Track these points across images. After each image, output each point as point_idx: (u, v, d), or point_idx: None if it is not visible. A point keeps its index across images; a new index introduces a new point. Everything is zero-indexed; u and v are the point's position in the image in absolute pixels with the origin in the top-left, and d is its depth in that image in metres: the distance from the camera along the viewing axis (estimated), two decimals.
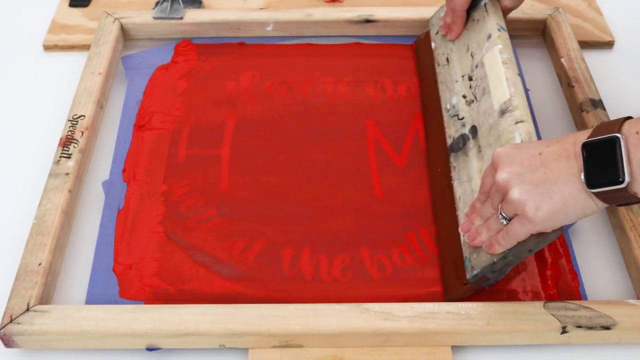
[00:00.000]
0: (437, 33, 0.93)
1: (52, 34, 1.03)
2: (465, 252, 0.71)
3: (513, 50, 0.82)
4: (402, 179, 0.85)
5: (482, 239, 0.68)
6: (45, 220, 0.77)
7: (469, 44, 0.86)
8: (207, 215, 0.81)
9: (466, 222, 0.71)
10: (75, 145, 0.84)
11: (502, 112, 0.75)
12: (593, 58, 0.98)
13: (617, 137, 0.59)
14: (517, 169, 0.63)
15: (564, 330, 0.68)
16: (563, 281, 0.75)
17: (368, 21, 1.00)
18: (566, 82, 0.93)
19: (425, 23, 1.00)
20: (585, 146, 0.60)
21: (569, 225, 0.79)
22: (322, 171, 0.86)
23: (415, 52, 0.99)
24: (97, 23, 1.01)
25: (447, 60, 0.89)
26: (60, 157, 0.82)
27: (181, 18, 1.00)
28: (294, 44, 1.01)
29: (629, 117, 0.61)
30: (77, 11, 1.06)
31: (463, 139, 0.80)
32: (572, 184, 0.61)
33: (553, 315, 0.69)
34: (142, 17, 1.01)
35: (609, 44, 1.02)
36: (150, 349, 0.70)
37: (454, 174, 0.79)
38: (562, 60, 0.95)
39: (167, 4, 1.01)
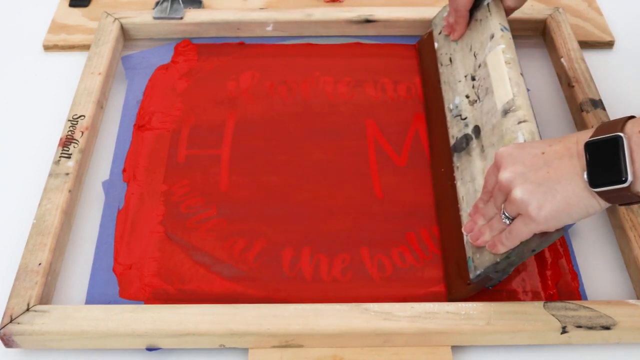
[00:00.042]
0: (440, 33, 0.93)
1: (52, 34, 1.03)
2: (469, 252, 0.71)
3: None
4: (402, 179, 0.85)
5: (485, 239, 0.68)
6: (45, 220, 0.77)
7: (472, 44, 0.86)
8: (207, 215, 0.81)
9: (469, 222, 0.71)
10: (75, 145, 0.84)
11: (505, 112, 0.75)
12: (593, 58, 0.98)
13: (620, 137, 0.59)
14: (520, 168, 0.63)
15: (564, 330, 0.68)
16: (563, 281, 0.75)
17: (368, 21, 1.00)
18: (566, 82, 0.93)
19: (425, 23, 1.00)
20: (588, 145, 0.60)
21: (569, 225, 0.79)
22: (322, 171, 0.86)
23: (418, 52, 0.99)
24: (97, 23, 1.01)
25: (450, 60, 0.89)
26: (60, 157, 0.82)
27: (181, 18, 1.00)
28: (294, 44, 1.01)
29: (632, 117, 0.61)
30: (77, 11, 1.06)
31: (466, 139, 0.80)
32: (575, 183, 0.61)
33: (553, 315, 0.69)
34: (142, 17, 1.01)
35: (609, 44, 1.02)
36: (150, 349, 0.70)
37: (457, 174, 0.79)
38: (562, 60, 0.95)
39: (167, 4, 1.01)
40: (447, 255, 0.76)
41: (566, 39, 0.97)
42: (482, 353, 0.71)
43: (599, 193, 0.60)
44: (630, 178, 0.58)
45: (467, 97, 0.83)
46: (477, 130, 0.79)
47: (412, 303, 0.70)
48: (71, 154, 0.83)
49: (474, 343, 0.70)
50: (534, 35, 1.02)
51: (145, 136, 0.89)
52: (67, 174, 0.81)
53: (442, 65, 0.91)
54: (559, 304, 0.70)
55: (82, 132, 0.85)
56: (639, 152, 0.58)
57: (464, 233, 0.72)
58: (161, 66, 0.97)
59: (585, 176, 0.60)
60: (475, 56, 0.84)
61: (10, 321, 0.69)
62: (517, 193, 0.62)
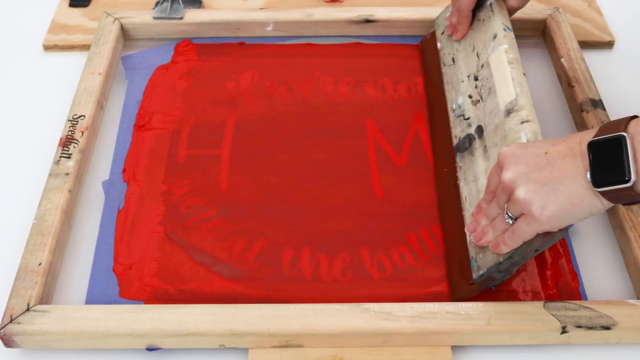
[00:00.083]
0: (442, 33, 0.93)
1: (52, 34, 1.03)
2: (472, 252, 0.71)
3: None
4: (402, 179, 0.85)
5: (488, 239, 0.68)
6: (45, 220, 0.77)
7: (475, 44, 0.86)
8: (207, 215, 0.81)
9: (472, 222, 0.71)
10: (75, 145, 0.84)
11: (508, 112, 0.75)
12: (593, 58, 0.98)
13: (623, 136, 0.59)
14: (523, 168, 0.63)
15: (564, 330, 0.68)
16: (563, 281, 0.75)
17: (368, 21, 1.00)
18: (566, 82, 0.93)
19: (425, 23, 1.00)
20: (591, 145, 0.60)
21: (570, 225, 0.79)
22: (322, 171, 0.86)
23: (421, 52, 0.99)
24: (97, 23, 1.01)
25: (453, 60, 0.89)
26: (60, 157, 0.82)
27: (181, 18, 1.00)
28: (294, 44, 1.01)
29: (635, 116, 0.61)
30: (77, 11, 1.06)
31: (469, 138, 0.80)
32: (578, 183, 0.60)
33: (553, 315, 0.69)
34: (142, 17, 1.01)
35: (609, 44, 1.02)
36: (150, 349, 0.70)
37: (459, 174, 0.79)
38: (562, 60, 0.95)
39: (167, 4, 1.01)
40: (450, 256, 0.76)
41: (566, 39, 0.97)
42: (482, 353, 0.71)
43: (602, 193, 0.60)
44: (633, 178, 0.58)
45: (470, 97, 0.83)
46: (480, 130, 0.79)
47: (412, 303, 0.70)
48: (71, 154, 0.83)
49: (474, 343, 0.70)
50: (534, 35, 1.02)
51: (145, 136, 0.89)
52: (67, 174, 0.81)
53: (444, 65, 0.91)
54: (559, 304, 0.70)
55: (82, 132, 0.85)
56: None
57: (467, 233, 0.72)
58: (161, 66, 0.97)
59: (589, 176, 0.60)
60: (478, 56, 0.84)
61: (10, 321, 0.69)
62: (520, 193, 0.62)
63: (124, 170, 0.85)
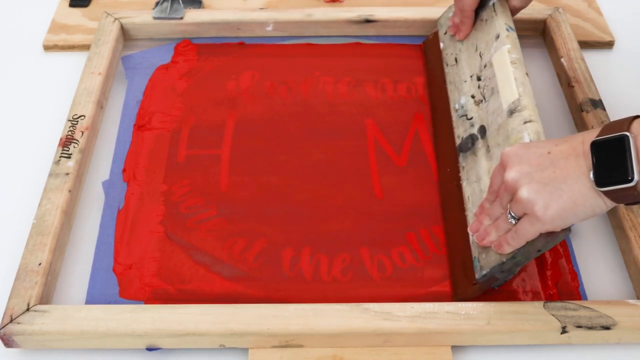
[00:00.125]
0: (445, 33, 0.93)
1: (52, 34, 1.03)
2: (474, 252, 0.71)
3: None
4: (402, 179, 0.85)
5: (491, 239, 0.68)
6: (45, 220, 0.77)
7: (478, 44, 0.86)
8: (207, 215, 0.81)
9: (475, 222, 0.71)
10: (75, 145, 0.84)
11: (511, 112, 0.75)
12: (593, 58, 0.98)
13: (626, 136, 0.59)
14: (525, 168, 0.63)
15: (564, 330, 0.68)
16: (563, 281, 0.75)
17: (368, 21, 1.00)
18: (566, 82, 0.93)
19: (426, 23, 1.00)
20: (594, 145, 0.60)
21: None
22: (322, 171, 0.86)
23: (424, 52, 0.99)
24: (97, 23, 1.01)
25: (456, 60, 0.89)
26: (60, 157, 0.82)
27: (181, 18, 1.00)
28: (294, 44, 1.01)
29: (638, 116, 0.61)
30: (77, 11, 1.06)
31: (472, 139, 0.80)
32: (581, 183, 0.60)
33: (553, 315, 0.69)
34: (142, 17, 1.01)
35: (609, 44, 1.02)
36: (150, 349, 0.70)
37: (462, 174, 0.79)
38: (562, 60, 0.95)
39: (167, 4, 1.01)
40: (452, 256, 0.76)
41: (566, 39, 0.97)
42: (482, 353, 0.71)
43: (605, 192, 0.60)
44: (636, 177, 0.58)
45: (473, 97, 0.83)
46: (482, 130, 0.79)
47: (412, 303, 0.70)
48: (71, 154, 0.83)
49: (474, 343, 0.70)
50: (534, 35, 1.02)
51: (145, 136, 0.89)
52: (67, 174, 0.81)
53: (447, 65, 0.91)
54: (559, 304, 0.70)
55: (82, 132, 0.85)
56: None
57: (470, 233, 0.72)
58: (161, 66, 0.97)
59: (592, 176, 0.60)
60: (480, 56, 0.84)
61: (10, 321, 0.69)
62: (523, 193, 0.62)
63: (124, 170, 0.85)
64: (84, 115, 0.87)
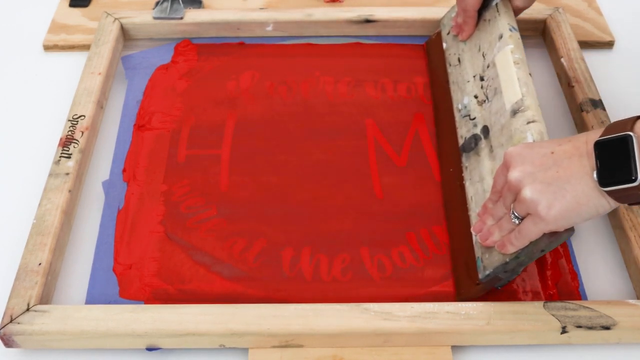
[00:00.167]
0: (448, 33, 0.93)
1: (52, 34, 1.03)
2: (478, 252, 0.71)
3: None
4: (402, 179, 0.85)
5: (495, 239, 0.68)
6: (45, 220, 0.77)
7: (481, 44, 0.86)
8: (207, 215, 0.81)
9: (478, 222, 0.71)
10: (75, 145, 0.84)
11: (514, 112, 0.75)
12: (593, 58, 0.98)
13: (630, 136, 0.59)
14: (529, 168, 0.63)
15: (564, 330, 0.68)
16: (563, 281, 0.75)
17: (368, 21, 1.00)
18: (566, 82, 0.93)
19: (426, 23, 1.00)
20: (598, 145, 0.60)
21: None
22: (322, 171, 0.86)
23: (427, 52, 0.99)
24: (97, 23, 1.01)
25: (459, 60, 0.89)
26: (60, 157, 0.82)
27: (181, 18, 1.00)
28: (294, 44, 1.01)
29: None
30: (77, 11, 1.06)
31: (475, 139, 0.80)
32: (585, 183, 0.60)
33: (553, 315, 0.69)
34: (142, 17, 1.01)
35: (609, 44, 1.02)
36: (150, 349, 0.70)
37: (465, 174, 0.79)
38: (562, 60, 0.95)
39: (167, 4, 1.01)
40: (456, 256, 0.76)
41: (566, 39, 0.97)
42: (482, 353, 0.71)
43: (608, 192, 0.60)
44: None
45: (476, 97, 0.83)
46: (485, 130, 0.79)
47: (412, 303, 0.70)
48: (71, 154, 0.83)
49: (474, 343, 0.70)
50: (534, 35, 1.02)
51: (145, 136, 0.89)
52: (67, 174, 0.81)
53: (450, 65, 0.91)
54: (559, 304, 0.70)
55: (82, 132, 0.85)
56: None
57: (473, 233, 0.72)
58: (161, 66, 0.97)
59: (595, 175, 0.60)
60: (483, 56, 0.84)
61: (10, 321, 0.69)
62: (527, 193, 0.62)
63: (124, 170, 0.85)
64: (84, 115, 0.87)
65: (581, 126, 0.88)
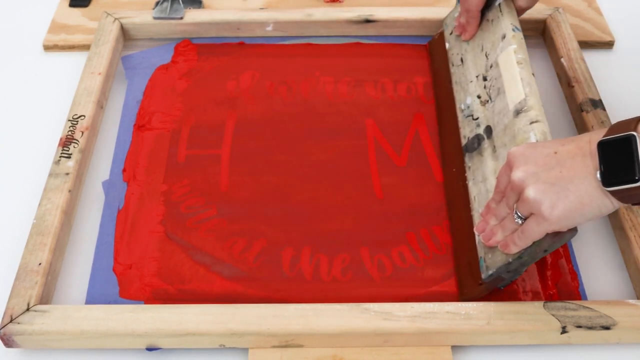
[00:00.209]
0: (451, 33, 0.93)
1: (52, 34, 1.03)
2: (480, 252, 0.71)
3: None
4: (402, 179, 0.85)
5: (498, 239, 0.68)
6: (45, 220, 0.77)
7: (484, 44, 0.86)
8: (207, 215, 0.81)
9: (481, 222, 0.71)
10: (75, 145, 0.84)
11: (517, 112, 0.75)
12: (593, 58, 0.98)
13: (633, 136, 0.59)
14: (532, 167, 0.63)
15: (564, 330, 0.68)
16: (563, 281, 0.75)
17: (368, 21, 1.00)
18: (566, 82, 0.93)
19: (426, 23, 1.00)
20: (601, 145, 0.60)
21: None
22: (322, 171, 0.86)
23: (429, 52, 0.99)
24: (97, 23, 1.01)
25: (462, 60, 0.89)
26: (60, 157, 0.82)
27: (181, 18, 1.00)
28: (294, 44, 1.01)
29: None
30: (77, 11, 1.07)
31: (478, 139, 0.80)
32: (588, 183, 0.60)
33: (553, 315, 0.69)
34: (142, 17, 1.01)
35: (609, 44, 1.02)
36: (150, 349, 0.70)
37: (468, 174, 0.79)
38: (562, 60, 0.95)
39: (167, 4, 1.01)
40: (458, 256, 0.76)
41: (566, 39, 0.97)
42: (482, 353, 0.71)
43: (612, 192, 0.60)
44: None
45: (479, 97, 0.83)
46: (488, 130, 0.79)
47: (412, 303, 0.70)
48: (71, 154, 0.83)
49: (474, 343, 0.70)
50: (534, 35, 1.02)
51: (145, 136, 0.89)
52: (67, 174, 0.81)
53: (453, 65, 0.91)
54: (558, 304, 0.70)
55: (82, 132, 0.85)
56: None
57: (476, 233, 0.72)
58: (161, 66, 0.97)
59: (598, 175, 0.60)
60: (486, 56, 0.84)
61: (10, 321, 0.69)
62: (530, 192, 0.62)
63: (124, 170, 0.85)
64: (84, 115, 0.87)
65: (581, 126, 0.88)
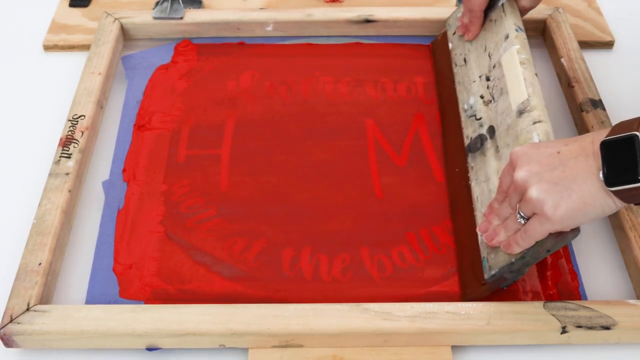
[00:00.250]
0: (454, 33, 0.93)
1: (52, 34, 1.03)
2: (483, 252, 0.71)
3: None
4: (402, 179, 0.85)
5: (500, 239, 0.68)
6: (45, 220, 0.77)
7: (487, 44, 0.86)
8: (207, 215, 0.81)
9: (484, 222, 0.71)
10: (75, 145, 0.84)
11: (520, 112, 0.75)
12: (593, 58, 0.98)
13: (636, 136, 0.59)
14: (535, 167, 0.63)
15: (564, 330, 0.68)
16: (563, 281, 0.75)
17: (368, 21, 1.00)
18: (566, 82, 0.93)
19: (425, 23, 1.00)
20: (604, 145, 0.60)
21: None
22: (322, 171, 0.86)
23: (433, 52, 0.99)
24: (97, 23, 1.01)
25: (465, 60, 0.89)
26: (60, 157, 0.82)
27: (181, 18, 1.00)
28: (294, 44, 1.01)
29: None
30: (77, 11, 1.07)
31: (481, 139, 0.80)
32: (591, 183, 0.60)
33: (553, 315, 0.69)
34: (142, 17, 1.01)
35: (609, 44, 1.02)
36: (150, 349, 0.70)
37: (471, 174, 0.79)
38: (562, 60, 0.95)
39: (167, 4, 1.01)
40: (461, 256, 0.76)
41: (566, 39, 0.97)
42: (482, 353, 0.71)
43: (614, 192, 0.60)
44: None
45: (482, 97, 0.83)
46: (491, 130, 0.79)
47: (412, 303, 0.70)
48: (71, 154, 0.83)
49: (474, 343, 0.70)
50: (534, 35, 1.02)
51: (145, 136, 0.89)
52: (67, 174, 0.81)
53: (456, 65, 0.91)
54: (559, 304, 0.70)
55: (82, 132, 0.85)
56: None
57: (479, 233, 0.72)
58: (161, 66, 0.97)
59: (601, 175, 0.60)
60: (489, 56, 0.84)
61: (10, 321, 0.69)
62: (533, 192, 0.62)
63: (124, 170, 0.85)
64: (84, 115, 0.87)
65: (581, 126, 0.88)
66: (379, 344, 0.70)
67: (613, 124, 0.66)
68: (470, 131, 0.83)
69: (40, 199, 0.79)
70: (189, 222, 0.80)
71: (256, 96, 0.94)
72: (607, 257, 0.79)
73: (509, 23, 0.83)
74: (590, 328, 0.68)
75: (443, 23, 0.98)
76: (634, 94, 0.95)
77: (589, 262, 0.78)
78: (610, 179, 0.59)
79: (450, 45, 0.94)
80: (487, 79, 0.83)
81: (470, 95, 0.85)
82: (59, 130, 0.88)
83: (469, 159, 0.81)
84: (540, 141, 0.70)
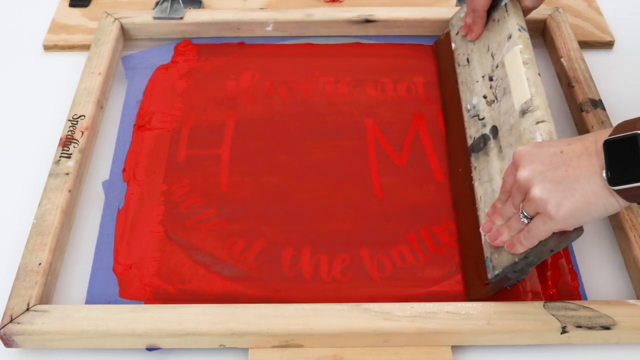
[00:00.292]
0: (457, 33, 0.93)
1: (52, 34, 1.03)
2: (487, 252, 0.71)
3: None
4: (402, 179, 0.85)
5: (504, 239, 0.68)
6: (45, 220, 0.77)
7: (490, 44, 0.86)
8: (207, 215, 0.81)
9: (487, 222, 0.71)
10: (75, 145, 0.84)
11: (523, 112, 0.75)
12: (593, 58, 0.98)
13: (639, 135, 0.59)
14: (538, 167, 0.63)
15: (564, 330, 0.68)
16: (563, 281, 0.75)
17: (368, 21, 1.00)
18: (566, 82, 0.93)
19: (425, 23, 1.00)
20: (607, 144, 0.60)
21: None
22: (322, 171, 0.86)
23: (435, 52, 0.99)
24: (97, 23, 1.01)
25: (468, 60, 0.89)
26: (60, 157, 0.82)
27: (181, 18, 1.00)
28: (294, 44, 1.01)
29: None
30: (77, 11, 1.07)
31: (484, 139, 0.80)
32: (594, 182, 0.61)
33: (553, 315, 0.69)
34: (142, 17, 1.01)
35: (608, 44, 1.02)
36: (150, 349, 0.70)
37: (474, 174, 0.79)
38: (562, 60, 0.95)
39: (167, 4, 1.01)
40: (465, 256, 0.76)
41: (566, 39, 0.97)
42: (482, 353, 0.71)
43: (617, 191, 0.60)
44: None
45: (485, 97, 0.83)
46: (494, 130, 0.79)
47: (412, 303, 0.70)
48: (71, 154, 0.83)
49: (474, 343, 0.70)
50: (534, 35, 1.01)
51: (145, 136, 0.89)
52: (67, 174, 0.81)
53: (459, 65, 0.91)
54: (559, 304, 0.70)
55: (82, 132, 0.85)
56: None
57: (482, 233, 0.72)
58: (161, 66, 0.97)
59: (604, 174, 0.60)
60: (492, 56, 0.84)
61: (10, 321, 0.69)
62: (536, 192, 0.62)
63: (124, 170, 0.85)
64: (84, 115, 0.87)
65: (581, 126, 0.88)
66: (379, 344, 0.70)
67: (613, 124, 0.66)
68: (473, 131, 0.83)
69: (40, 199, 0.79)
70: (189, 222, 0.80)
71: (256, 96, 0.94)
72: (607, 257, 0.79)
73: (512, 23, 0.83)
74: (590, 328, 0.68)
75: (443, 23, 0.98)
76: (634, 94, 0.95)
77: (589, 262, 0.78)
78: (614, 178, 0.59)
79: (453, 45, 0.94)
80: (490, 79, 0.83)
81: (473, 95, 0.85)
82: (59, 130, 0.88)
83: (472, 159, 0.81)
84: (543, 141, 0.70)
